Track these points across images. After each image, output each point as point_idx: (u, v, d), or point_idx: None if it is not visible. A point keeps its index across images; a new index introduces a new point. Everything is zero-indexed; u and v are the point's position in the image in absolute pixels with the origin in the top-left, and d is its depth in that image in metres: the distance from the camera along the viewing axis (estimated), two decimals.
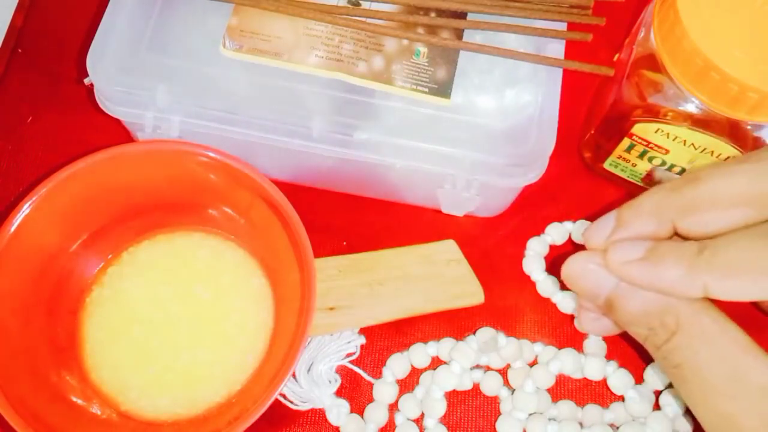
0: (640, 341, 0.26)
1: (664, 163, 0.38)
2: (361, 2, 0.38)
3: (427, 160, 0.36)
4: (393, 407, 0.38)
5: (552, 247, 0.41)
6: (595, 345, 0.39)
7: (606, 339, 0.39)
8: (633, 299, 0.25)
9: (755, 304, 0.37)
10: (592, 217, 0.41)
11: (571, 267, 0.27)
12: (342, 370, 0.39)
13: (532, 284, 0.40)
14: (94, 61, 0.36)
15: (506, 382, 0.38)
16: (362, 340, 0.39)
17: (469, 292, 0.39)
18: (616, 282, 0.26)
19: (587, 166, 0.43)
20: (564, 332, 0.40)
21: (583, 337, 0.39)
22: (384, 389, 0.38)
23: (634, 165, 0.39)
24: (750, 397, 0.23)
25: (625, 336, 0.39)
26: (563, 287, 0.40)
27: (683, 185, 0.25)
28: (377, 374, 0.38)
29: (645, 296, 0.25)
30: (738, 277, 0.23)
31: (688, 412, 0.37)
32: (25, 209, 0.34)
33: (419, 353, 0.38)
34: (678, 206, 0.25)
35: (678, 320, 0.24)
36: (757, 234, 0.23)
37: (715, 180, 0.24)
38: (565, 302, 0.40)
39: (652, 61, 0.34)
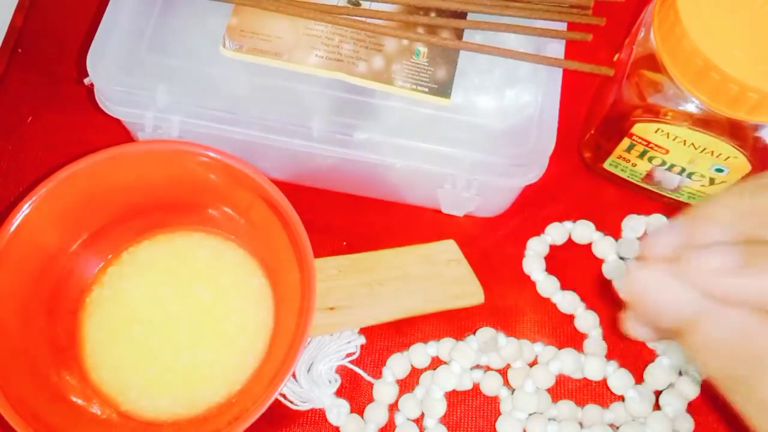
0: (712, 371, 0.21)
1: (664, 163, 0.38)
2: (361, 2, 0.38)
3: (427, 160, 0.36)
4: (393, 407, 0.38)
5: (552, 247, 0.41)
6: (595, 345, 0.39)
7: (606, 339, 0.39)
8: (719, 324, 0.20)
9: None
10: (592, 217, 0.41)
11: (640, 280, 0.21)
12: (342, 370, 0.39)
13: (532, 284, 0.40)
14: (94, 61, 0.36)
15: (506, 382, 0.38)
16: (362, 340, 0.39)
17: (469, 292, 0.39)
18: (700, 301, 0.20)
19: (587, 166, 0.43)
20: (564, 332, 0.40)
21: (583, 337, 0.39)
22: (384, 389, 0.38)
23: (634, 165, 0.39)
24: None
25: (624, 336, 0.39)
26: (563, 287, 0.40)
27: (755, 191, 0.21)
28: (377, 374, 0.38)
29: (734, 321, 0.20)
30: None
31: (690, 405, 0.37)
32: (25, 209, 0.34)
33: (419, 353, 0.38)
34: (758, 212, 0.20)
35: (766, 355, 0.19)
36: None
37: None
38: (565, 302, 0.40)
39: (652, 61, 0.34)
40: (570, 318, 0.40)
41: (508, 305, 0.40)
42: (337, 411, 0.37)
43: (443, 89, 0.36)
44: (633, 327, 0.24)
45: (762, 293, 0.19)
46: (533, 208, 0.42)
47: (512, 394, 0.37)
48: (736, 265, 0.19)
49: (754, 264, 0.19)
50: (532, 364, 0.38)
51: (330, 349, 0.38)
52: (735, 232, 0.20)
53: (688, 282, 0.20)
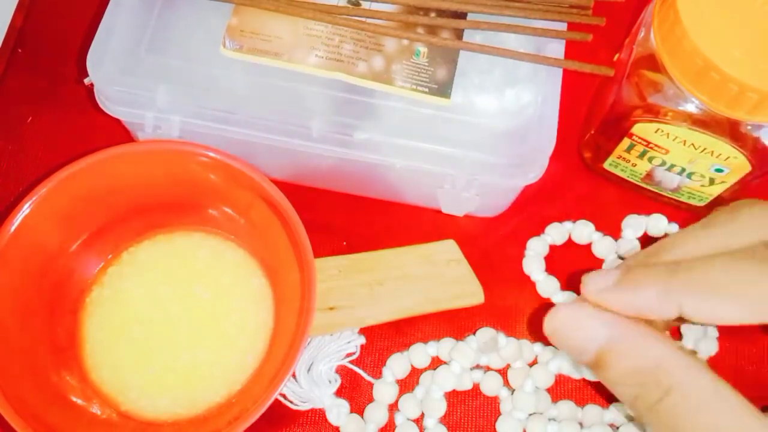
0: (628, 403, 0.24)
1: (664, 163, 0.38)
2: (361, 2, 0.38)
3: (427, 160, 0.36)
4: (393, 407, 0.38)
5: (552, 247, 0.41)
6: None
7: None
8: (626, 354, 0.24)
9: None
10: (592, 217, 0.41)
11: (556, 317, 0.25)
12: (342, 370, 0.39)
13: (532, 284, 0.40)
14: (94, 61, 0.36)
15: (506, 382, 0.38)
16: (362, 340, 0.39)
17: (469, 292, 0.39)
18: (608, 335, 0.24)
19: (587, 166, 0.43)
20: None
21: None
22: (384, 389, 0.38)
23: (634, 165, 0.39)
24: None
25: None
26: (563, 287, 0.40)
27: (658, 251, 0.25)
28: (377, 374, 0.38)
29: (638, 352, 0.23)
30: (714, 298, 0.22)
31: None
32: (25, 209, 0.34)
33: (419, 353, 0.38)
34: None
35: (673, 378, 0.23)
36: (737, 256, 0.23)
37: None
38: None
39: (652, 61, 0.34)
40: None
41: (508, 305, 0.40)
42: (337, 411, 0.37)
43: (443, 89, 0.36)
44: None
45: (631, 306, 0.24)
46: (533, 208, 0.42)
47: (512, 394, 0.37)
48: (611, 284, 0.24)
49: (625, 282, 0.24)
50: (532, 364, 0.38)
51: (330, 349, 0.38)
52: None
53: (603, 319, 0.24)
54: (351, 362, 0.39)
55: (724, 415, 0.22)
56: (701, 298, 0.23)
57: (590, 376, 0.38)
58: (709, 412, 0.22)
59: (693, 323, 0.24)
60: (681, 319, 0.24)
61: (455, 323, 0.39)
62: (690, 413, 0.23)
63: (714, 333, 0.39)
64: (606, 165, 0.41)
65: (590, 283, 0.25)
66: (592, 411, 0.37)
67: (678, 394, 0.23)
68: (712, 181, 0.38)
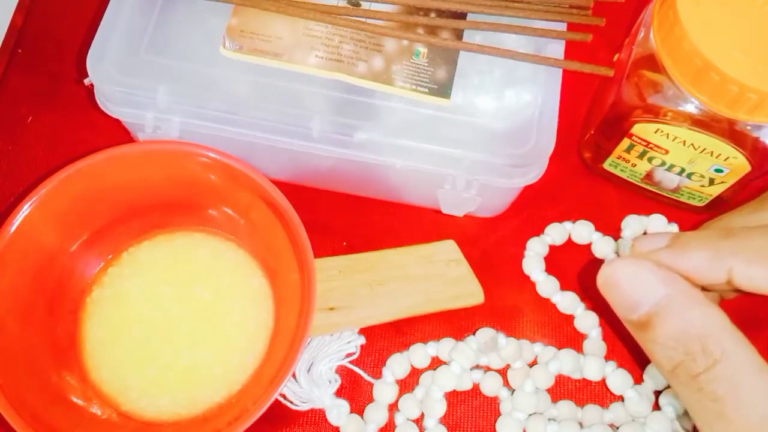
0: (668, 367, 0.23)
1: (664, 163, 0.38)
2: (361, 2, 0.38)
3: (427, 160, 0.36)
4: (393, 407, 0.38)
5: (552, 247, 0.41)
6: (594, 345, 0.39)
7: (606, 339, 0.39)
8: (675, 317, 0.23)
9: None
10: (592, 217, 0.41)
11: (613, 270, 0.24)
12: (342, 370, 0.39)
13: (532, 284, 0.40)
14: (94, 61, 0.36)
15: (506, 383, 0.38)
16: (362, 340, 0.39)
17: (469, 292, 0.39)
18: (664, 293, 0.23)
19: (587, 166, 0.43)
20: (564, 332, 0.40)
21: (582, 337, 0.39)
22: (384, 389, 0.38)
23: (634, 165, 0.39)
24: None
25: (624, 336, 0.39)
26: (563, 287, 0.40)
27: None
28: (377, 374, 0.38)
29: (689, 316, 0.23)
30: (764, 265, 0.22)
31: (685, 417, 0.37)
32: (25, 209, 0.34)
33: (419, 353, 0.38)
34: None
35: (723, 348, 0.22)
36: None
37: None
38: (565, 302, 0.40)
39: (652, 62, 0.34)
40: (570, 318, 0.40)
41: (508, 305, 0.40)
42: (337, 411, 0.37)
43: (443, 89, 0.36)
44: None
45: (681, 268, 0.24)
46: (533, 208, 0.42)
47: (512, 394, 0.37)
48: (662, 247, 0.25)
49: (676, 245, 0.24)
50: (532, 365, 0.38)
51: (330, 349, 0.38)
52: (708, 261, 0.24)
53: (662, 277, 0.24)
54: (351, 362, 0.39)
55: (766, 393, 0.22)
56: (752, 263, 0.23)
57: (590, 376, 0.38)
58: (753, 387, 0.22)
59: (740, 292, 0.24)
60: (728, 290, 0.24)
61: (455, 323, 0.39)
62: (734, 386, 0.22)
63: None
64: (606, 165, 0.41)
65: (642, 244, 0.25)
66: (592, 411, 0.37)
67: (725, 365, 0.22)
68: (712, 182, 0.38)
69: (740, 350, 0.22)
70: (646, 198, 0.42)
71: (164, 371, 0.36)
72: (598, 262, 0.26)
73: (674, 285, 0.24)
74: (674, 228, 0.40)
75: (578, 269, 0.41)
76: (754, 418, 0.22)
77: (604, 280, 0.25)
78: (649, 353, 0.24)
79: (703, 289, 0.25)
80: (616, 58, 0.40)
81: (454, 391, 0.38)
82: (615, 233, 0.41)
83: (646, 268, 0.24)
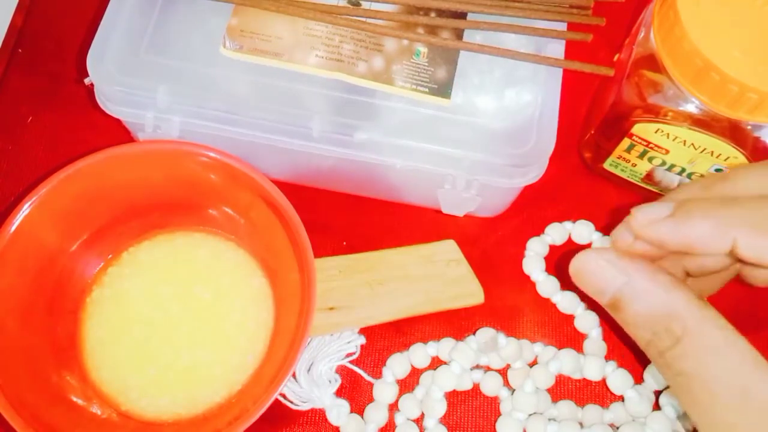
0: (642, 346, 0.25)
1: (664, 163, 0.38)
2: (361, 2, 0.38)
3: (427, 160, 0.36)
4: (393, 407, 0.38)
5: (552, 247, 0.41)
6: (594, 345, 0.39)
7: (606, 339, 0.39)
8: (639, 300, 0.24)
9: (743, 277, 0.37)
10: (592, 217, 0.41)
11: (578, 262, 0.26)
12: (342, 370, 0.39)
13: (532, 284, 0.40)
14: (94, 61, 0.36)
15: (506, 383, 0.38)
16: (362, 340, 0.39)
17: (469, 292, 0.39)
18: (624, 281, 0.25)
19: (587, 166, 0.43)
20: (564, 332, 0.40)
21: (582, 337, 0.39)
22: (384, 389, 0.38)
23: (634, 165, 0.39)
24: (756, 413, 0.22)
25: (624, 336, 0.39)
26: (563, 287, 0.40)
27: (714, 182, 0.25)
28: (377, 374, 0.38)
29: (651, 299, 0.24)
30: None
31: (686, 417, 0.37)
32: (25, 209, 0.34)
33: (419, 353, 0.38)
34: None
35: (685, 327, 0.23)
36: None
37: (748, 175, 0.24)
38: (565, 302, 0.40)
39: (652, 61, 0.34)
40: (570, 318, 0.40)
41: (508, 305, 0.40)
42: (337, 411, 0.37)
43: (443, 89, 0.36)
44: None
45: (684, 239, 0.24)
46: (533, 208, 0.42)
47: (512, 394, 0.37)
48: (664, 217, 0.24)
49: (679, 214, 0.24)
50: (532, 365, 0.38)
51: (330, 349, 0.38)
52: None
53: (621, 267, 0.25)
54: (351, 362, 0.39)
55: (732, 365, 0.22)
56: (757, 234, 0.22)
57: (590, 376, 0.38)
58: (717, 361, 0.23)
59: (743, 262, 0.24)
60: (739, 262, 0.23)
61: (455, 323, 0.39)
62: (698, 362, 0.23)
63: None
64: (606, 165, 0.41)
65: (641, 214, 0.25)
66: (592, 411, 0.37)
67: (687, 342, 0.23)
68: None
69: (704, 327, 0.23)
70: (647, 198, 0.42)
71: (164, 371, 0.36)
72: (572, 253, 0.27)
73: (633, 271, 0.25)
74: None
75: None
76: (719, 392, 0.22)
77: (572, 271, 0.27)
78: (626, 330, 0.26)
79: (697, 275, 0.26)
80: (616, 58, 0.40)
81: (454, 391, 0.38)
82: None
83: (605, 258, 0.25)
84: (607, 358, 0.38)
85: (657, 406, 0.37)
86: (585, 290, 0.27)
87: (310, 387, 0.37)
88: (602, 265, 0.25)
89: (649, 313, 0.24)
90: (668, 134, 0.35)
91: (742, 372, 0.22)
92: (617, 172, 0.41)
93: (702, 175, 0.37)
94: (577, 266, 0.26)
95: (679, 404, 0.24)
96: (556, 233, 0.41)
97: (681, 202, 0.24)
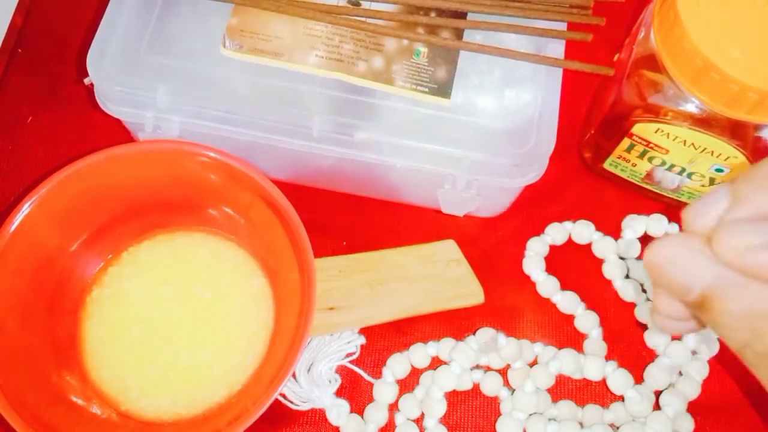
0: (734, 348, 0.21)
1: (664, 163, 0.38)
2: (361, 2, 0.38)
3: (427, 160, 0.36)
4: (393, 407, 0.38)
5: (552, 247, 0.41)
6: (594, 345, 0.39)
7: (606, 339, 0.39)
8: (736, 297, 0.20)
9: None
10: (592, 217, 0.41)
11: (659, 252, 0.22)
12: (342, 370, 0.39)
13: (532, 284, 0.40)
14: (94, 61, 0.36)
15: (506, 383, 0.38)
16: (362, 340, 0.39)
17: (469, 292, 0.39)
18: (716, 274, 0.21)
19: (587, 166, 0.43)
20: (564, 332, 0.40)
21: (582, 337, 0.39)
22: (384, 389, 0.38)
23: (634, 165, 0.39)
24: None
25: (625, 336, 0.39)
26: (563, 287, 0.40)
27: None
28: (377, 374, 0.38)
29: (752, 294, 0.20)
30: None
31: (688, 411, 0.37)
32: (25, 209, 0.34)
33: (419, 353, 0.38)
34: None
35: None
36: None
37: None
38: (565, 302, 0.40)
39: (652, 61, 0.34)
40: (570, 318, 0.40)
41: (508, 305, 0.40)
42: (337, 411, 0.37)
43: (443, 89, 0.36)
44: (662, 321, 0.24)
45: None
46: (533, 208, 0.42)
47: (512, 394, 0.37)
48: (764, 243, 0.19)
49: (736, 200, 0.20)
50: (532, 365, 0.38)
51: (330, 349, 0.38)
52: None
53: (716, 257, 0.20)
54: (351, 362, 0.39)
55: None
56: None
57: (591, 376, 0.38)
58: None
59: None
60: None
61: (455, 323, 0.39)
62: None
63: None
64: (606, 165, 0.41)
65: (731, 238, 0.20)
66: (592, 411, 0.37)
67: None
68: (712, 181, 0.38)
69: None
70: (647, 198, 0.42)
71: (164, 371, 0.36)
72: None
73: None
74: (675, 228, 0.40)
75: (578, 269, 0.41)
76: None
77: (652, 262, 0.22)
78: (714, 331, 0.22)
79: None
80: (616, 57, 0.40)
81: (454, 391, 0.38)
82: (615, 233, 0.41)
83: (695, 247, 0.21)
84: (607, 358, 0.38)
85: (657, 406, 0.37)
86: (664, 286, 0.22)
87: (310, 387, 0.37)
88: (690, 256, 0.21)
89: (749, 311, 0.20)
90: (668, 134, 0.35)
91: None
92: (617, 172, 0.41)
93: (703, 176, 0.37)
94: (657, 257, 0.22)
95: None
96: (556, 233, 0.41)
97: (735, 186, 0.20)
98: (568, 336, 0.39)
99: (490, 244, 0.42)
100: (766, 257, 0.19)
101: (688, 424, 0.37)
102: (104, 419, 0.35)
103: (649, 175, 0.40)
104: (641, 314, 0.40)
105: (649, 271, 0.22)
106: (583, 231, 0.41)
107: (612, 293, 0.40)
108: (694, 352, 0.38)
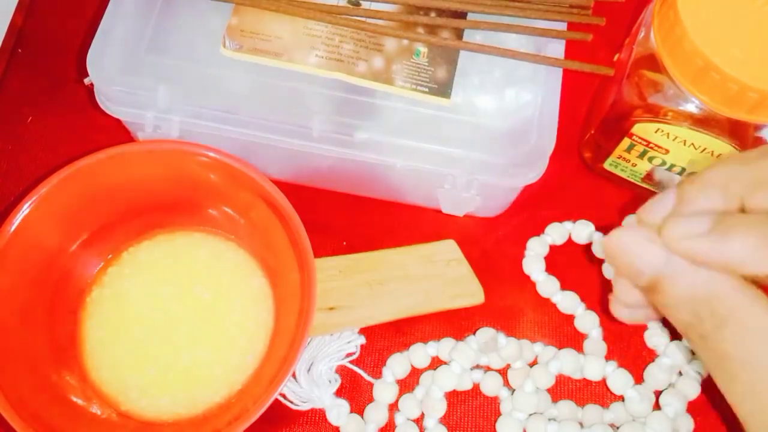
0: (680, 329, 0.24)
1: (664, 163, 0.38)
2: (361, 2, 0.38)
3: (427, 160, 0.36)
4: (393, 407, 0.38)
5: (552, 247, 0.41)
6: (594, 345, 0.39)
7: (606, 339, 0.39)
8: (681, 281, 0.23)
9: None
10: (592, 217, 0.41)
11: (616, 240, 0.24)
12: (342, 370, 0.39)
13: (532, 284, 0.40)
14: (94, 61, 0.36)
15: (506, 383, 0.38)
16: (362, 340, 0.39)
17: (469, 292, 0.39)
18: (664, 260, 0.23)
19: (587, 166, 0.43)
20: (564, 332, 0.40)
21: (582, 337, 0.39)
22: (384, 389, 0.38)
23: (634, 165, 0.39)
24: None
25: (625, 336, 0.39)
26: (563, 287, 0.40)
27: (755, 158, 0.23)
28: (377, 374, 0.38)
29: (694, 279, 0.23)
30: None
31: (688, 411, 0.37)
32: (25, 209, 0.34)
33: (419, 353, 0.38)
34: (749, 180, 0.23)
35: (730, 308, 0.22)
36: None
37: None
38: (565, 302, 0.40)
39: (652, 61, 0.34)
40: (570, 318, 0.40)
41: (508, 305, 0.40)
42: (337, 411, 0.37)
43: (443, 89, 0.36)
44: (618, 308, 0.27)
45: (722, 257, 0.22)
46: (533, 208, 0.42)
47: (512, 394, 0.37)
48: (702, 232, 0.22)
49: (718, 231, 0.22)
50: (532, 365, 0.38)
51: (330, 349, 0.38)
52: (723, 199, 0.23)
53: (661, 244, 0.23)
54: (351, 362, 0.39)
55: None
56: None
57: (591, 376, 0.38)
58: (761, 344, 0.22)
59: None
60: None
61: (455, 323, 0.39)
62: (744, 345, 0.22)
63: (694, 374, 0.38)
64: (606, 165, 0.41)
65: (675, 228, 0.23)
66: (592, 411, 0.37)
67: (733, 324, 0.22)
68: None
69: (751, 308, 0.22)
70: (647, 198, 0.42)
71: (164, 371, 0.36)
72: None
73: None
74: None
75: (578, 269, 0.41)
76: (763, 375, 0.22)
77: (607, 249, 0.25)
78: (663, 314, 0.24)
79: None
80: (616, 57, 0.40)
81: (454, 391, 0.38)
82: None
83: (644, 237, 0.24)
84: (607, 358, 0.38)
85: (657, 406, 0.37)
86: (620, 270, 0.25)
87: (310, 387, 0.37)
88: (642, 243, 0.24)
89: (692, 294, 0.23)
90: (668, 134, 0.35)
91: None
92: (617, 172, 0.41)
93: None
94: (613, 244, 0.24)
95: (723, 390, 0.23)
96: (556, 233, 0.41)
97: (720, 218, 0.23)
98: (568, 336, 0.39)
99: (490, 244, 0.42)
100: (700, 244, 0.22)
101: (688, 424, 0.37)
102: (104, 419, 0.35)
103: (649, 175, 0.40)
104: None
105: (607, 257, 0.25)
106: (583, 231, 0.41)
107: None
108: (694, 353, 0.38)
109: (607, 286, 0.40)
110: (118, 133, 0.41)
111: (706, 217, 0.23)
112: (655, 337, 0.39)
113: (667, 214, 0.24)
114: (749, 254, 0.22)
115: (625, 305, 0.27)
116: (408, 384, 0.38)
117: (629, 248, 0.24)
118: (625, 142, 0.37)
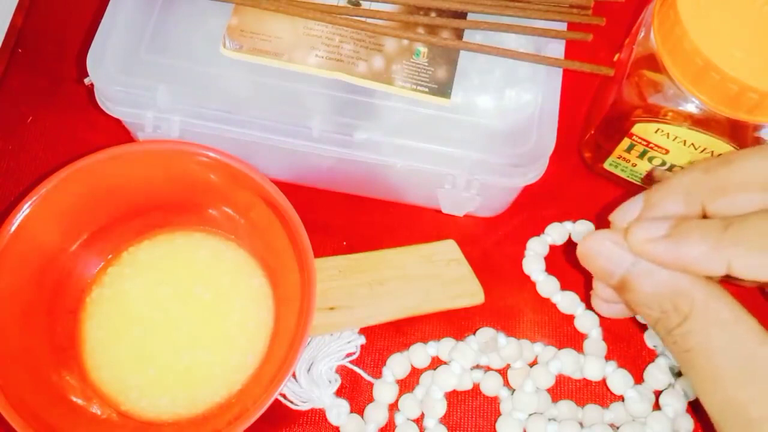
0: (650, 324, 0.25)
1: (664, 163, 0.38)
2: (361, 2, 0.38)
3: (427, 160, 0.36)
4: (393, 407, 0.38)
5: (552, 247, 0.41)
6: (594, 345, 0.39)
7: (606, 339, 0.39)
8: (647, 280, 0.25)
9: (761, 289, 0.37)
10: (592, 217, 0.41)
11: (587, 244, 0.26)
12: (342, 370, 0.39)
13: (532, 284, 0.40)
14: (94, 61, 0.36)
15: (506, 383, 0.38)
16: (362, 340, 0.39)
17: (469, 292, 0.39)
18: (631, 261, 0.25)
19: (587, 166, 0.43)
20: (564, 332, 0.40)
21: (582, 337, 0.39)
22: (384, 389, 0.38)
23: (634, 165, 0.39)
24: (762, 387, 0.23)
25: (625, 336, 0.39)
26: (563, 287, 0.40)
27: (716, 166, 0.25)
28: (377, 374, 0.38)
29: (659, 278, 0.25)
30: (763, 255, 0.22)
31: (690, 405, 0.37)
32: (25, 209, 0.34)
33: (419, 353, 0.38)
34: (709, 187, 0.24)
35: (692, 304, 0.24)
36: None
37: (749, 161, 0.24)
38: (565, 302, 0.40)
39: (652, 61, 0.34)
40: (570, 318, 0.40)
41: (508, 305, 0.40)
42: (337, 411, 0.37)
43: (443, 89, 0.36)
44: (598, 304, 0.29)
45: (677, 260, 0.24)
46: (533, 208, 0.42)
47: (512, 394, 0.37)
48: (662, 236, 0.24)
49: (675, 236, 0.24)
50: (532, 365, 0.38)
51: (330, 349, 0.38)
52: (685, 204, 0.25)
53: (627, 246, 0.25)
54: (351, 362, 0.39)
55: (738, 338, 0.23)
56: (751, 254, 0.23)
57: (591, 376, 0.38)
58: (723, 335, 0.23)
59: (741, 282, 0.24)
60: (728, 277, 0.24)
61: (455, 323, 0.39)
62: (705, 337, 0.24)
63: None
64: (606, 165, 0.41)
65: (638, 232, 0.25)
66: (592, 411, 0.37)
67: (695, 319, 0.24)
68: None
69: (710, 302, 0.24)
70: None
71: (164, 371, 0.36)
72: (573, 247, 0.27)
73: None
74: None
75: (578, 269, 0.41)
76: (726, 367, 0.23)
77: (580, 254, 0.27)
78: (634, 311, 0.26)
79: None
80: (616, 57, 0.40)
81: (454, 391, 0.38)
82: None
83: (613, 240, 0.25)
84: (607, 358, 0.38)
85: (657, 406, 0.37)
86: (593, 272, 0.27)
87: (310, 387, 0.37)
88: (610, 247, 0.26)
89: (657, 292, 0.25)
90: (668, 134, 0.35)
91: (747, 345, 0.23)
92: (617, 172, 0.41)
93: None
94: (585, 249, 0.26)
95: (690, 384, 0.24)
96: (556, 233, 0.41)
97: (677, 223, 0.24)
98: (568, 336, 0.39)
99: (490, 244, 0.42)
100: (658, 247, 0.24)
101: (688, 424, 0.37)
102: (104, 419, 0.35)
103: (649, 175, 0.40)
104: None
105: (580, 260, 0.27)
106: (583, 231, 0.41)
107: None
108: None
109: None
110: (118, 133, 0.41)
111: (666, 222, 0.24)
112: (655, 337, 0.39)
113: (634, 217, 0.26)
114: (702, 257, 0.23)
115: (604, 301, 0.29)
116: (408, 384, 0.38)
117: (600, 252, 0.26)
118: (625, 142, 0.37)
